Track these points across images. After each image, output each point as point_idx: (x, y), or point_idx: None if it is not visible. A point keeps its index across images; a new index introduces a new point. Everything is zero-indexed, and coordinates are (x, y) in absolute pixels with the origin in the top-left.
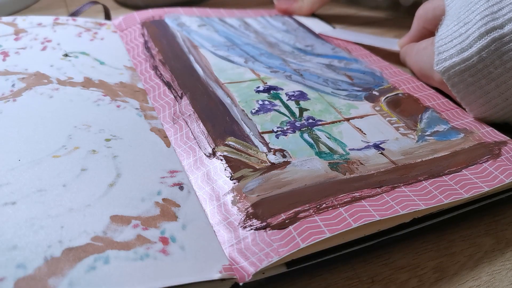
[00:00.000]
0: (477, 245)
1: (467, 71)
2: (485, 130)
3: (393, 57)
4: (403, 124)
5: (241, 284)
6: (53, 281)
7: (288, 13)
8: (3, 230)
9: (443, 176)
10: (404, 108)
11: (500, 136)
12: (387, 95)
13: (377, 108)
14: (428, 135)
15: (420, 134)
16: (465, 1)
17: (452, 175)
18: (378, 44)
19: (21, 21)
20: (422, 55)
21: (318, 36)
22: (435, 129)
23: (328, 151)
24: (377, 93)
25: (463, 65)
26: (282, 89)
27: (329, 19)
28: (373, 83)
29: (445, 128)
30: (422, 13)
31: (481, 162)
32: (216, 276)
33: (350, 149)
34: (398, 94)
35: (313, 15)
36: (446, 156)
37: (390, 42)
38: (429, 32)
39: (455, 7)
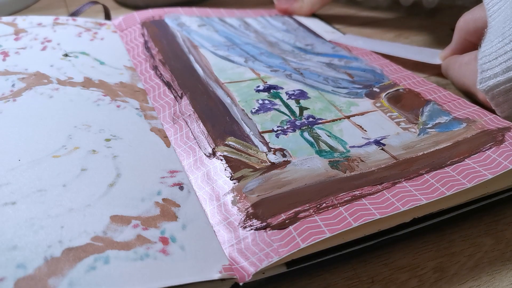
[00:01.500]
0: (477, 245)
1: None
2: (488, 118)
3: (393, 58)
4: (404, 119)
5: (241, 284)
6: (53, 281)
7: (288, 13)
8: (3, 230)
9: (445, 168)
10: (405, 102)
11: (504, 123)
12: (388, 91)
13: (378, 104)
14: (429, 128)
15: (421, 127)
16: (510, 14)
17: (455, 165)
18: (415, 57)
19: (21, 21)
20: (465, 70)
21: (318, 35)
22: (436, 121)
23: (329, 149)
24: (377, 90)
25: (508, 84)
26: (282, 88)
27: (329, 19)
28: (373, 80)
29: (447, 120)
30: (462, 25)
31: (484, 150)
32: (216, 276)
33: (350, 147)
34: (399, 89)
35: (314, 15)
36: (448, 147)
37: (429, 53)
38: (472, 44)
39: (498, 20)
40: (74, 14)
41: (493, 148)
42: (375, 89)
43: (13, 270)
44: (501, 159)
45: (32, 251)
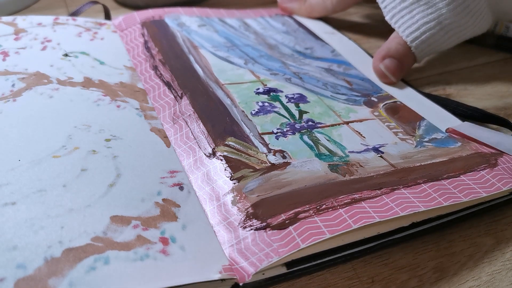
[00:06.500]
0: (477, 245)
1: None
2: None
3: None
4: (402, 130)
5: (241, 284)
6: (53, 281)
7: (288, 11)
8: (3, 230)
9: (442, 180)
10: (402, 115)
11: (495, 149)
12: (386, 102)
13: (376, 113)
14: (426, 141)
15: (418, 140)
16: None
17: (451, 179)
18: None
19: (21, 21)
20: None
21: (317, 37)
22: (433, 136)
23: (328, 153)
24: (375, 99)
25: None
26: (281, 92)
27: (329, 19)
28: (371, 89)
29: (442, 136)
30: None
31: (478, 169)
32: (216, 276)
33: (349, 152)
34: (396, 102)
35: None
36: (444, 162)
37: None
38: None
39: None
40: (74, 14)
41: (487, 170)
42: (373, 98)
43: (13, 271)
44: (494, 181)
45: (32, 252)
